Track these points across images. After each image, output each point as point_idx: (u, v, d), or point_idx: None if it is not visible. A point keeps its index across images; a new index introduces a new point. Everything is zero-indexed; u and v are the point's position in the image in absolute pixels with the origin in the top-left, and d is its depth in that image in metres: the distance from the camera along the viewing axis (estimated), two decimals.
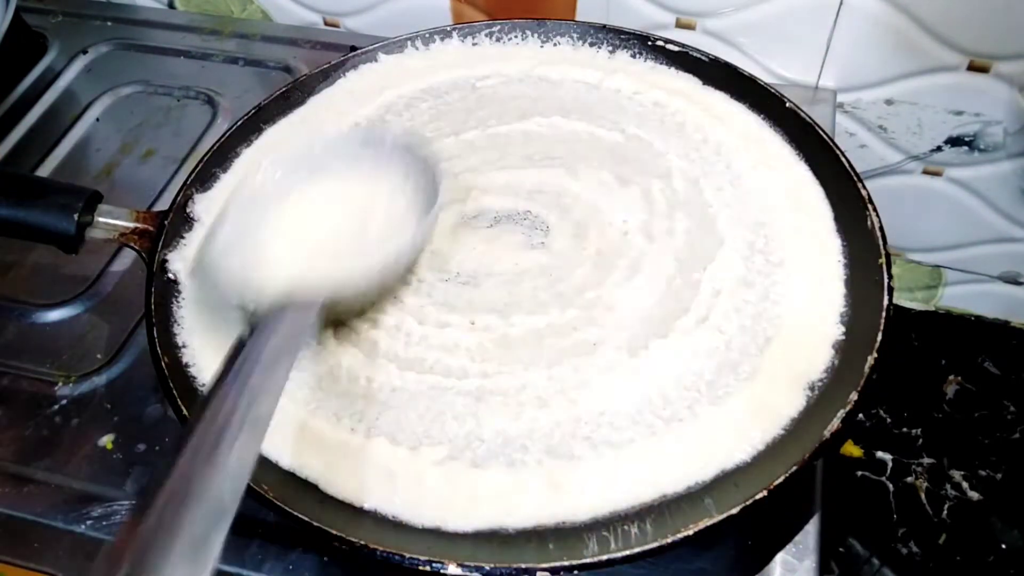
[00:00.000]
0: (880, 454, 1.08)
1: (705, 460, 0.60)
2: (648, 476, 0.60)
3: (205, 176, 0.80)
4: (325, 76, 0.89)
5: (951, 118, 0.98)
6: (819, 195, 0.76)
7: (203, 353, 0.69)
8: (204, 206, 0.78)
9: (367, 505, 0.60)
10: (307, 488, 0.62)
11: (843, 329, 0.67)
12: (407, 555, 0.55)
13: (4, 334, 0.84)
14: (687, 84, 0.86)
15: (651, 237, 0.74)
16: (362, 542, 0.56)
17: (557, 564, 0.55)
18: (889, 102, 0.98)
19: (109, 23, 1.17)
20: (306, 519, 0.57)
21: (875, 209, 0.71)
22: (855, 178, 0.74)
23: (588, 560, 0.55)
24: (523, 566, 0.55)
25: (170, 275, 0.73)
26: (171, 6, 1.20)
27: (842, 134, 1.03)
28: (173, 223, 0.76)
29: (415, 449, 0.62)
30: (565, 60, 0.89)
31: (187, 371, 0.68)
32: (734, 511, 0.56)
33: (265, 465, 0.62)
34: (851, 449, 1.08)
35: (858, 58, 0.96)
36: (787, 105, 0.81)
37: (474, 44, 0.92)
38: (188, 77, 1.09)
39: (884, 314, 0.64)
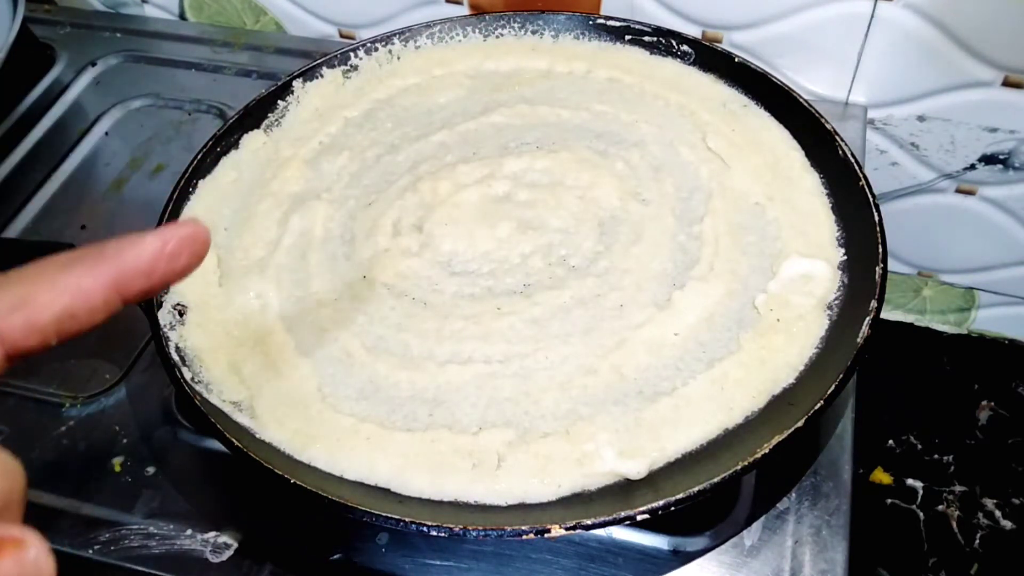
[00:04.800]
0: (910, 482, 1.06)
1: (754, 390, 0.65)
2: (707, 416, 0.64)
3: (177, 213, 0.79)
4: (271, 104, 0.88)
5: (985, 135, 0.95)
6: (785, 136, 0.82)
7: (213, 370, 0.70)
8: None
9: (446, 497, 0.61)
10: (381, 493, 0.62)
11: (843, 251, 0.73)
12: (508, 528, 0.57)
13: None
14: (635, 56, 0.90)
15: (645, 201, 0.78)
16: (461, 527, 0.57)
17: (653, 505, 0.57)
18: (921, 118, 0.96)
19: (118, 35, 1.15)
20: (409, 520, 0.57)
21: (843, 140, 0.76)
22: (816, 114, 0.79)
23: (694, 490, 0.57)
24: (632, 515, 0.57)
25: (168, 310, 0.72)
26: (182, 17, 1.18)
27: (873, 151, 1.00)
28: None
29: (477, 435, 0.64)
30: (511, 51, 0.92)
31: (196, 386, 0.68)
32: (799, 424, 0.59)
33: (331, 480, 0.63)
34: (881, 476, 1.06)
35: (889, 73, 0.94)
36: (736, 61, 0.86)
37: (417, 48, 0.93)
38: (199, 90, 1.07)
39: (879, 228, 0.70)
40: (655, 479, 0.61)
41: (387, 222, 0.78)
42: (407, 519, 0.57)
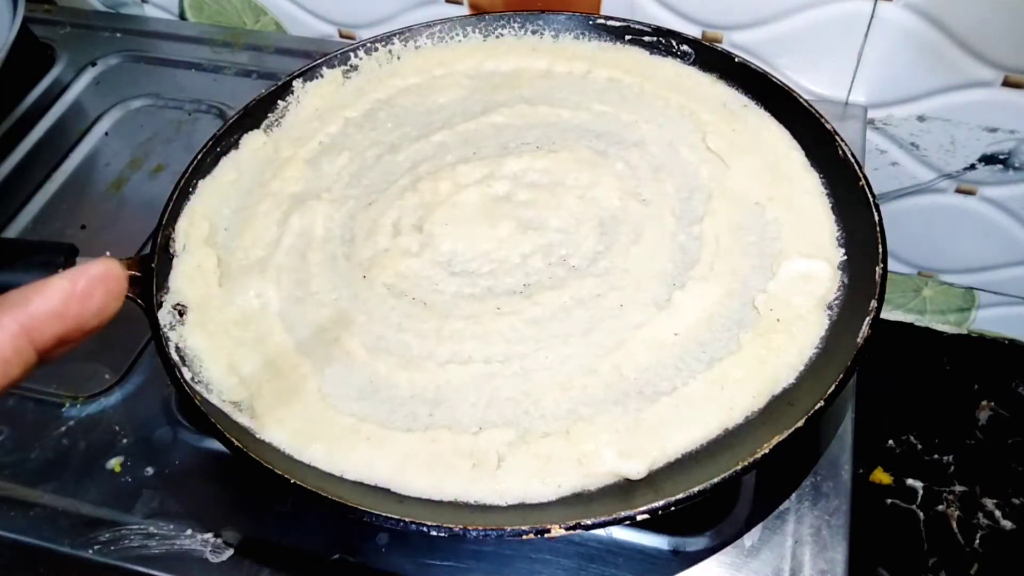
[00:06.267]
0: (910, 482, 1.06)
1: (754, 390, 0.64)
2: (707, 416, 0.63)
3: (177, 213, 0.79)
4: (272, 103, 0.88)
5: (985, 135, 0.95)
6: (785, 136, 0.81)
7: (212, 369, 0.69)
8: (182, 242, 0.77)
9: (446, 497, 0.61)
10: (381, 493, 0.62)
11: (843, 251, 0.72)
12: (508, 528, 0.57)
13: None
14: (635, 56, 0.90)
15: (645, 201, 0.78)
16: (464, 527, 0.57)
17: (654, 505, 0.57)
18: (921, 118, 0.96)
19: (118, 35, 1.15)
20: (409, 520, 0.57)
21: (843, 140, 0.76)
22: (816, 114, 0.79)
23: (694, 490, 0.57)
24: (632, 515, 0.57)
25: (168, 310, 0.72)
26: (182, 17, 1.18)
27: (873, 151, 1.00)
28: (159, 264, 0.74)
29: (477, 435, 0.63)
30: (511, 51, 0.92)
31: (196, 386, 0.68)
32: (799, 424, 0.59)
33: (331, 480, 0.62)
34: (881, 476, 1.05)
35: (889, 73, 0.94)
36: (736, 61, 0.85)
37: (417, 48, 0.92)
38: (199, 90, 1.07)
39: (879, 228, 0.70)
40: (655, 479, 0.61)
41: (387, 222, 0.78)
42: (407, 519, 0.57)
